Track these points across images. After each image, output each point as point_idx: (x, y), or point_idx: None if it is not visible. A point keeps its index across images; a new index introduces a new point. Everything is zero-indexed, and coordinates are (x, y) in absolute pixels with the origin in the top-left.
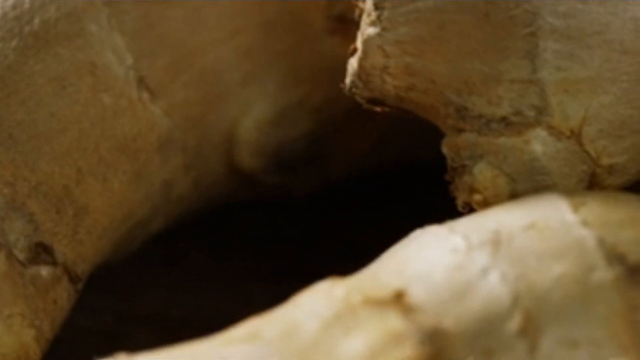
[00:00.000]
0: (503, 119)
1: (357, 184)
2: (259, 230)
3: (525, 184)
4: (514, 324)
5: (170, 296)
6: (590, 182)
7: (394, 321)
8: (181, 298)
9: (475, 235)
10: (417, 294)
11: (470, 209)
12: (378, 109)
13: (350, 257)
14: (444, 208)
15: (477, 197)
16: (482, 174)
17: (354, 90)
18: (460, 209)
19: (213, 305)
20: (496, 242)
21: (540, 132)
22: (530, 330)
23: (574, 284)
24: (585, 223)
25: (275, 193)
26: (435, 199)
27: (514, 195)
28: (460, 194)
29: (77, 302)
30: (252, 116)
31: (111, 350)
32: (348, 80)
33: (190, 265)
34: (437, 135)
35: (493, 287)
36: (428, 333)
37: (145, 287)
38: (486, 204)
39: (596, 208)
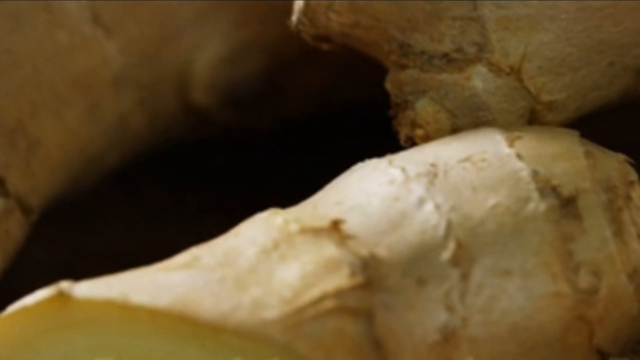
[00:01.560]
0: (444, 55)
1: (313, 122)
2: (214, 168)
3: (465, 119)
4: (448, 253)
5: (126, 231)
6: (530, 118)
7: (329, 249)
8: (137, 232)
9: (412, 168)
10: (353, 223)
11: (412, 144)
12: (325, 46)
13: (304, 194)
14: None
15: (419, 132)
16: (424, 109)
17: (300, 27)
18: (402, 143)
19: (168, 239)
20: (433, 174)
21: (481, 69)
22: (463, 260)
23: (507, 215)
24: (520, 156)
25: (230, 131)
26: (390, 137)
27: (455, 130)
28: (402, 128)
29: (33, 235)
30: (206, 54)
31: None
32: (294, 17)
33: (147, 201)
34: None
35: (428, 217)
36: (362, 261)
37: (101, 221)
38: (428, 138)
39: (531, 142)
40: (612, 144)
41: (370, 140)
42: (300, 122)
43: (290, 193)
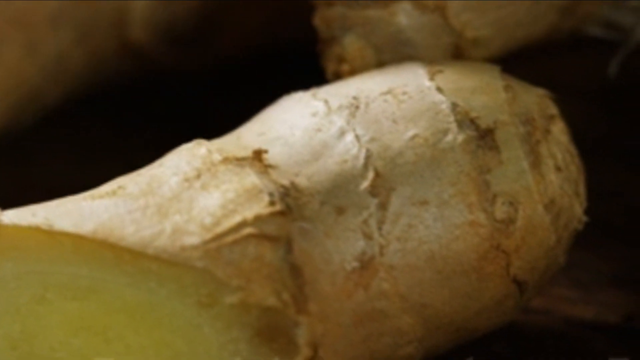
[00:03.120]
0: None
1: (250, 62)
2: (157, 107)
3: (391, 55)
4: (366, 182)
5: (69, 167)
6: (455, 54)
7: (250, 178)
8: (81, 168)
9: (335, 100)
10: (275, 153)
11: (338, 79)
12: None
13: None
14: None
15: (345, 67)
16: (351, 44)
17: None
18: (329, 78)
19: (111, 175)
20: (354, 107)
21: (405, 5)
22: (381, 189)
23: (425, 146)
24: (440, 89)
25: (170, 71)
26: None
27: (381, 65)
28: (329, 64)
29: None
30: None
31: None
32: None
33: (91, 139)
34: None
35: (348, 147)
36: (283, 189)
37: (45, 158)
38: (354, 73)
39: (452, 76)
40: (549, 85)
41: (308, 80)
42: (239, 63)
43: (227, 129)
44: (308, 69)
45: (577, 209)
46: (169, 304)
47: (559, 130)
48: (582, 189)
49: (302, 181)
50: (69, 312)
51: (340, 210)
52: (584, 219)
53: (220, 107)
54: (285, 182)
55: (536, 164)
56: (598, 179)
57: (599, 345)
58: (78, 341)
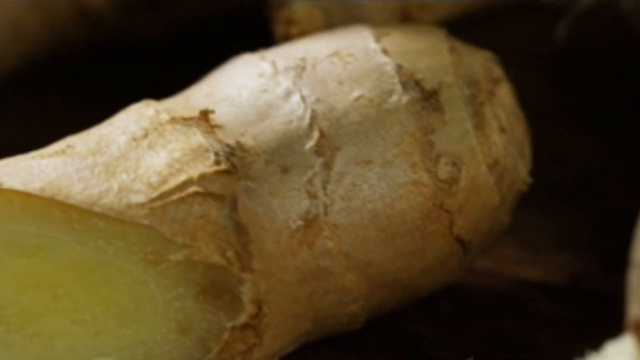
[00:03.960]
0: None
1: (205, 27)
2: (112, 73)
3: (339, 17)
4: (311, 142)
5: (27, 130)
6: (402, 17)
7: (196, 138)
8: (38, 132)
9: (282, 61)
10: (222, 113)
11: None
12: None
13: None
14: None
15: (294, 30)
16: (300, 7)
17: None
18: (277, 41)
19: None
20: (301, 68)
21: None
22: (326, 149)
23: (370, 106)
24: (386, 51)
25: (125, 36)
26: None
27: (329, 28)
28: (278, 27)
29: None
30: None
31: None
32: None
33: (47, 104)
34: None
35: (294, 108)
36: (228, 149)
37: (3, 121)
38: (302, 36)
39: (398, 38)
40: (497, 50)
41: (265, 43)
42: (195, 28)
43: None
44: (265, 32)
45: (521, 170)
46: (116, 261)
47: (504, 92)
48: (527, 150)
49: (248, 141)
50: (17, 270)
51: (285, 170)
52: (529, 180)
53: (176, 71)
54: (231, 141)
55: (480, 125)
56: (545, 142)
57: (545, 305)
58: (27, 298)
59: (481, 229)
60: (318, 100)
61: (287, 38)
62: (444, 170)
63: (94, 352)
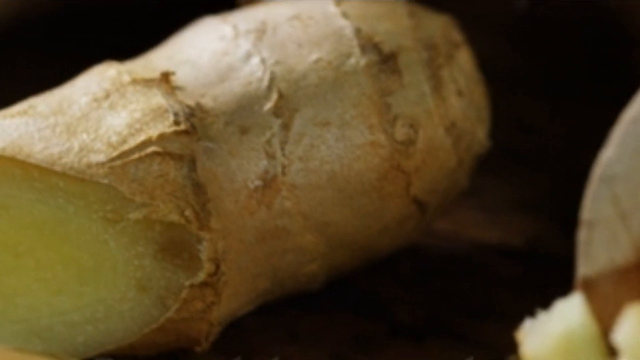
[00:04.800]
0: None
1: None
2: (77, 36)
3: None
4: (270, 103)
5: None
6: None
7: (157, 99)
8: (2, 94)
9: (243, 24)
10: (183, 75)
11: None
12: None
13: None
14: None
15: None
16: None
17: None
18: (241, 4)
19: None
20: (262, 31)
21: None
22: (284, 110)
23: (329, 69)
24: (345, 15)
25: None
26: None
27: None
28: None
29: None
30: None
31: None
32: None
33: (11, 69)
34: None
35: (253, 70)
36: (188, 110)
37: None
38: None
39: (358, 2)
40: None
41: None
42: None
43: None
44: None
45: (479, 134)
46: (76, 219)
47: (464, 57)
48: (485, 114)
49: (207, 102)
50: None
51: (244, 130)
52: (488, 143)
53: (140, 33)
54: (191, 102)
55: (437, 87)
56: (506, 107)
57: (503, 268)
58: None
59: (438, 191)
60: (277, 62)
61: (249, 2)
62: (401, 132)
63: (54, 310)
